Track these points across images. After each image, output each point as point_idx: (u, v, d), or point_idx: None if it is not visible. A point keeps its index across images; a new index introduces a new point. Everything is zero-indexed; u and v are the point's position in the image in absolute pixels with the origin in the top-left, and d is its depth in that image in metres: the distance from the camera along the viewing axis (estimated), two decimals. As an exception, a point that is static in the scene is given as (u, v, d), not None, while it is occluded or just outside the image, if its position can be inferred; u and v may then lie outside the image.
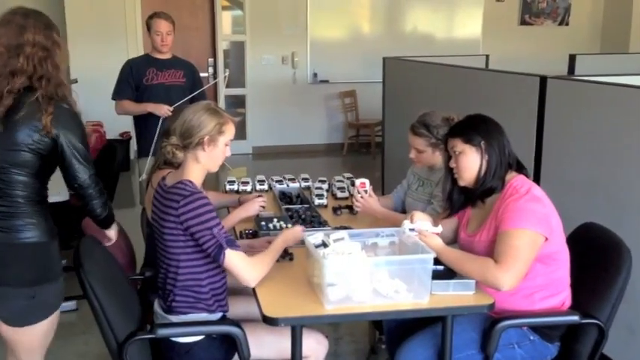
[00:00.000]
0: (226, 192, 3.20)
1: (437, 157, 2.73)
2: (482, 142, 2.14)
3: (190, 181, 2.06)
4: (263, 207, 2.73)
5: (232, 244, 2.01)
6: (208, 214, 2.00)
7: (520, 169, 2.22)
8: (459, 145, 2.18)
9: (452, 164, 2.22)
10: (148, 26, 4.05)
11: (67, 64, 2.27)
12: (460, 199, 2.29)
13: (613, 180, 2.83)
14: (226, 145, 2.13)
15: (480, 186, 2.18)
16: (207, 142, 2.06)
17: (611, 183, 2.84)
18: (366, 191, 2.72)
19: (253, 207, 2.69)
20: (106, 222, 2.35)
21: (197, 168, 2.11)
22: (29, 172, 2.09)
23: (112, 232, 2.42)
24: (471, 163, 2.17)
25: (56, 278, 2.14)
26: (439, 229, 2.16)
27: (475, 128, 2.18)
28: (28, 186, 2.09)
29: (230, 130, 2.13)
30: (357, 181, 2.76)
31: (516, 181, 2.16)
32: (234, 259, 2.00)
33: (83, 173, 2.15)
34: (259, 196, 2.79)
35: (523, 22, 8.88)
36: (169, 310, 2.11)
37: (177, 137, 2.07)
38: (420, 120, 2.72)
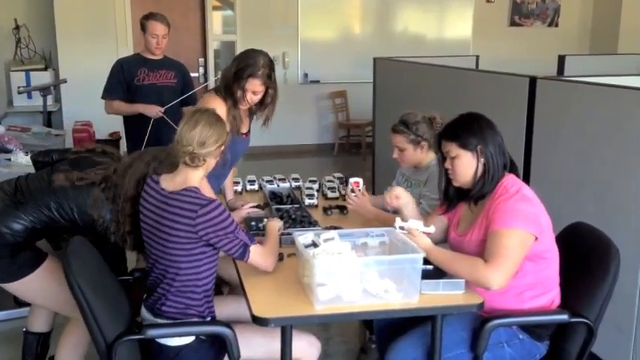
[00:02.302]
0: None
1: (419, 155, 2.75)
2: (479, 147, 2.13)
3: (197, 188, 2.08)
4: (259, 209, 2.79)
5: (252, 240, 2.12)
6: (228, 219, 2.05)
7: (512, 167, 2.23)
8: (453, 150, 2.16)
9: (447, 166, 2.22)
10: (143, 26, 4.01)
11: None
12: (456, 196, 2.29)
13: (602, 180, 2.85)
14: None
15: (478, 190, 2.17)
16: (222, 151, 2.15)
17: (599, 183, 2.86)
18: (359, 190, 2.73)
19: (240, 214, 2.74)
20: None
21: (201, 175, 2.15)
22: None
23: None
24: (467, 168, 2.16)
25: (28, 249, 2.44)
26: (431, 229, 2.16)
27: (469, 130, 2.15)
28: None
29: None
30: (351, 180, 2.76)
31: (507, 180, 2.16)
32: (257, 254, 2.12)
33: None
34: (258, 205, 2.84)
35: (513, 23, 8.92)
36: (159, 315, 2.10)
37: (197, 146, 2.07)
38: (400, 119, 2.76)
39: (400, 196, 2.41)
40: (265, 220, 2.62)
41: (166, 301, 2.08)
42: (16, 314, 3.48)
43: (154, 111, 3.82)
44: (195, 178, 2.11)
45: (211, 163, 2.15)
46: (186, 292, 2.08)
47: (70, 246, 2.01)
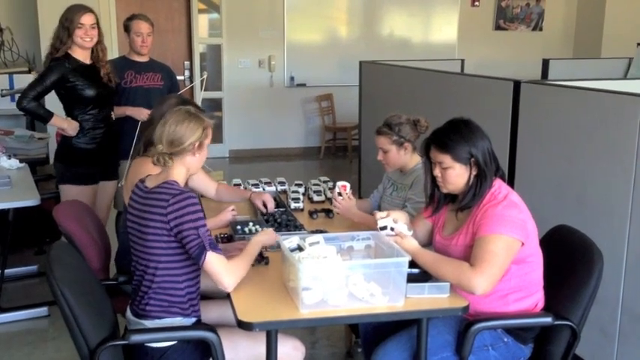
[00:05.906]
0: (202, 196, 3.17)
1: (403, 157, 2.76)
2: (472, 160, 2.13)
3: (176, 181, 2.08)
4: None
5: (215, 247, 2.02)
6: (197, 214, 2.00)
7: (498, 171, 2.23)
8: (447, 162, 2.14)
9: (436, 173, 2.20)
10: (127, 28, 3.99)
11: None
12: (442, 199, 2.29)
13: (585, 183, 2.87)
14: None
15: (469, 201, 2.16)
16: (197, 147, 2.10)
17: (582, 186, 2.88)
18: (347, 193, 2.73)
19: (225, 217, 2.72)
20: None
21: (182, 171, 2.13)
22: None
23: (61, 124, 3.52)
24: (459, 177, 2.16)
25: None
26: (410, 232, 2.17)
27: (463, 140, 2.13)
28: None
29: (210, 131, 2.18)
30: (339, 183, 2.76)
31: (494, 186, 2.17)
32: (215, 262, 2.00)
33: None
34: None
35: (498, 27, 8.97)
36: (143, 315, 2.09)
37: (165, 145, 2.07)
38: (384, 121, 2.78)
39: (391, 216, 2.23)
40: (251, 224, 2.62)
41: (149, 300, 2.07)
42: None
43: (141, 114, 3.79)
44: (175, 174, 2.10)
45: (191, 161, 2.12)
46: (168, 288, 2.06)
47: (52, 251, 1.99)
